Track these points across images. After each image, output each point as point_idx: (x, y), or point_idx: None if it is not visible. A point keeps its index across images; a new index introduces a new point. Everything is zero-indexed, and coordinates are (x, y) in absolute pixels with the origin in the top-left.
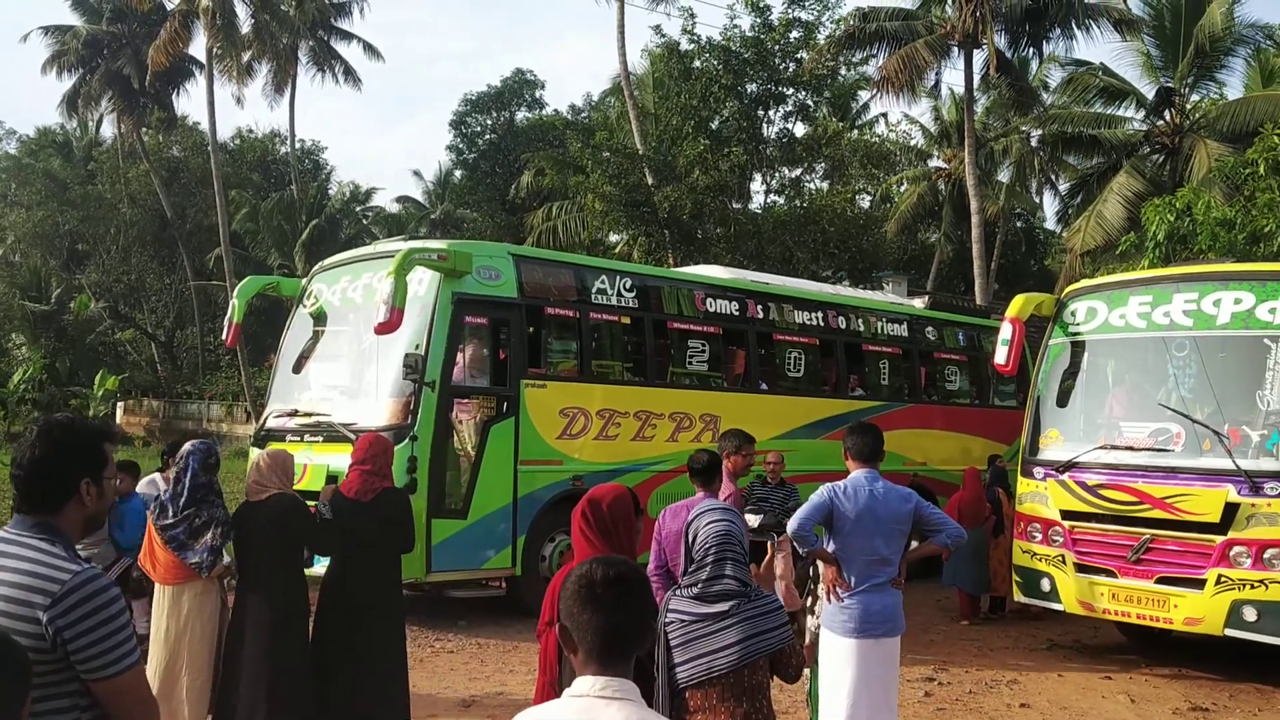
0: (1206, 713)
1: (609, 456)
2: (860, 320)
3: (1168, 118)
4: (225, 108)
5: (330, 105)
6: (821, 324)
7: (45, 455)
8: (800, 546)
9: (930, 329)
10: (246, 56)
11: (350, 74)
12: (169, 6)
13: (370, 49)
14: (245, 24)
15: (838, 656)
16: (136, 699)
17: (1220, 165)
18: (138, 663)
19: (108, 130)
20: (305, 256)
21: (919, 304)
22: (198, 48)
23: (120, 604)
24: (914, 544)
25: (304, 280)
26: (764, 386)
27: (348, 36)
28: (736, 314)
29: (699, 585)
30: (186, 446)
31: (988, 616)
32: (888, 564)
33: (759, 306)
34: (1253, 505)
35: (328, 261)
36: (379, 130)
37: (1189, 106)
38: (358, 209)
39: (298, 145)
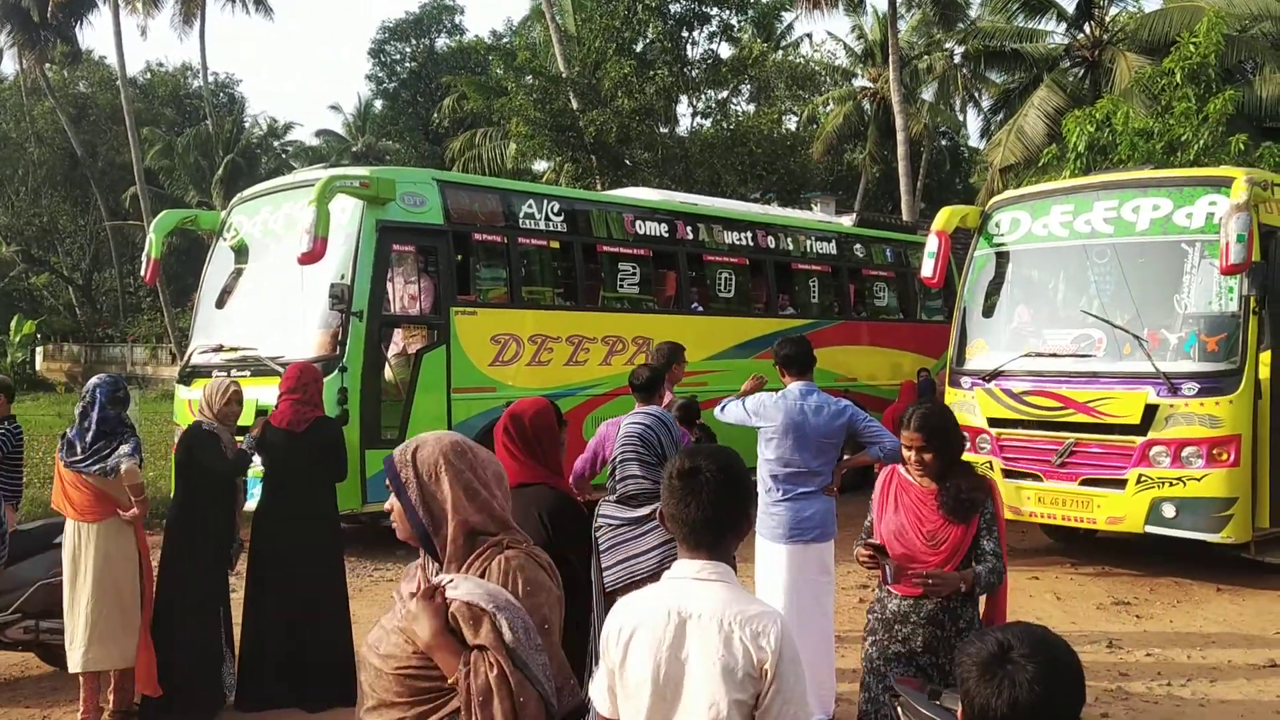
0: (1129, 606)
1: (542, 382)
2: (789, 239)
3: (1088, 31)
4: (134, 41)
5: (244, 37)
6: (751, 244)
7: None
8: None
9: (858, 246)
10: None
11: (261, 3)
12: None
13: None
14: None
15: (770, 561)
16: None
17: (1139, 76)
18: None
19: (9, 67)
20: (224, 193)
21: (847, 222)
22: None
23: None
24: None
25: (223, 213)
26: (696, 307)
27: None
28: (666, 236)
29: (616, 489)
30: (92, 381)
31: None
32: (817, 475)
33: (688, 227)
34: (1171, 406)
35: (247, 193)
36: (296, 62)
37: (1108, 19)
38: (276, 144)
39: (211, 79)
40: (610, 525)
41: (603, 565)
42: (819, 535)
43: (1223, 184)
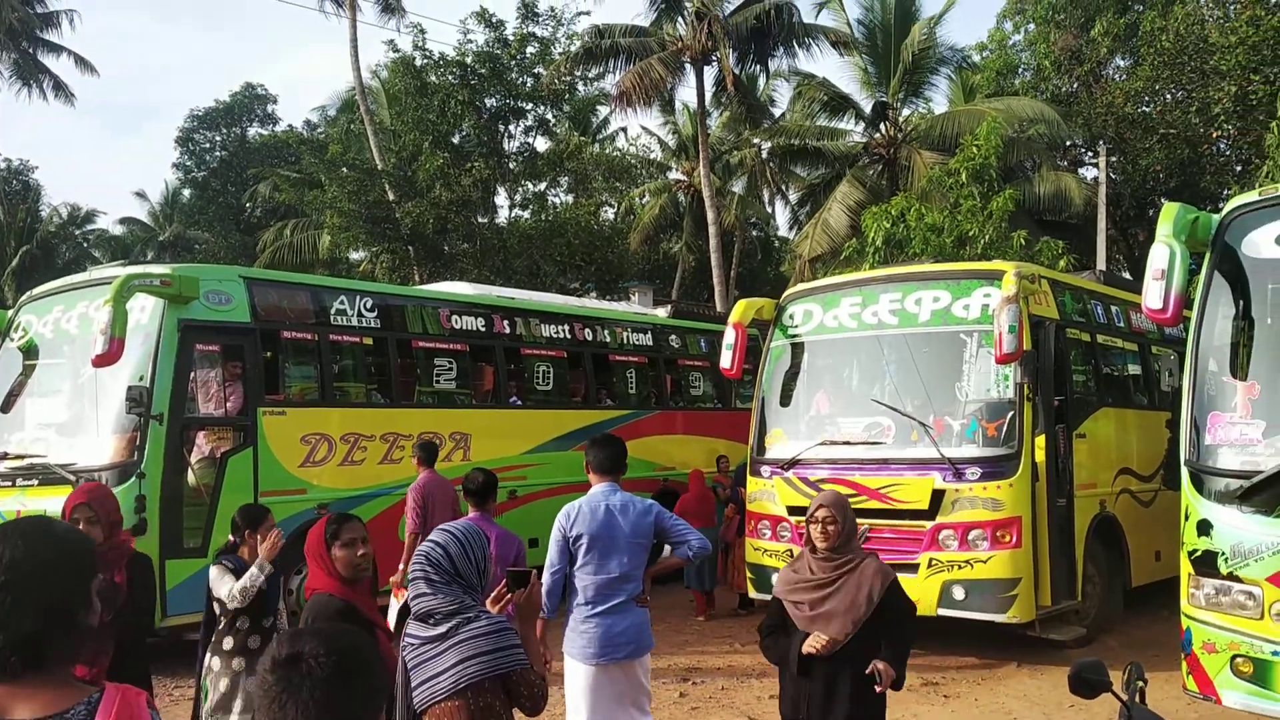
0: (937, 686)
1: (355, 482)
2: (606, 331)
3: (884, 130)
4: None
5: (41, 122)
6: (568, 336)
7: None
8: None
9: (674, 337)
10: None
11: (61, 89)
12: None
13: (82, 62)
14: None
15: (578, 683)
16: None
17: (931, 174)
18: None
19: None
20: (16, 286)
21: (662, 313)
22: None
23: None
24: (665, 553)
25: (10, 312)
26: (514, 401)
27: (56, 49)
28: (483, 330)
29: (414, 605)
30: None
31: (737, 612)
32: (628, 580)
33: (505, 321)
34: (956, 490)
35: (37, 291)
36: (99, 149)
37: (902, 120)
38: (77, 233)
39: (3, 164)
40: (412, 644)
41: (411, 683)
42: (634, 650)
43: (995, 277)
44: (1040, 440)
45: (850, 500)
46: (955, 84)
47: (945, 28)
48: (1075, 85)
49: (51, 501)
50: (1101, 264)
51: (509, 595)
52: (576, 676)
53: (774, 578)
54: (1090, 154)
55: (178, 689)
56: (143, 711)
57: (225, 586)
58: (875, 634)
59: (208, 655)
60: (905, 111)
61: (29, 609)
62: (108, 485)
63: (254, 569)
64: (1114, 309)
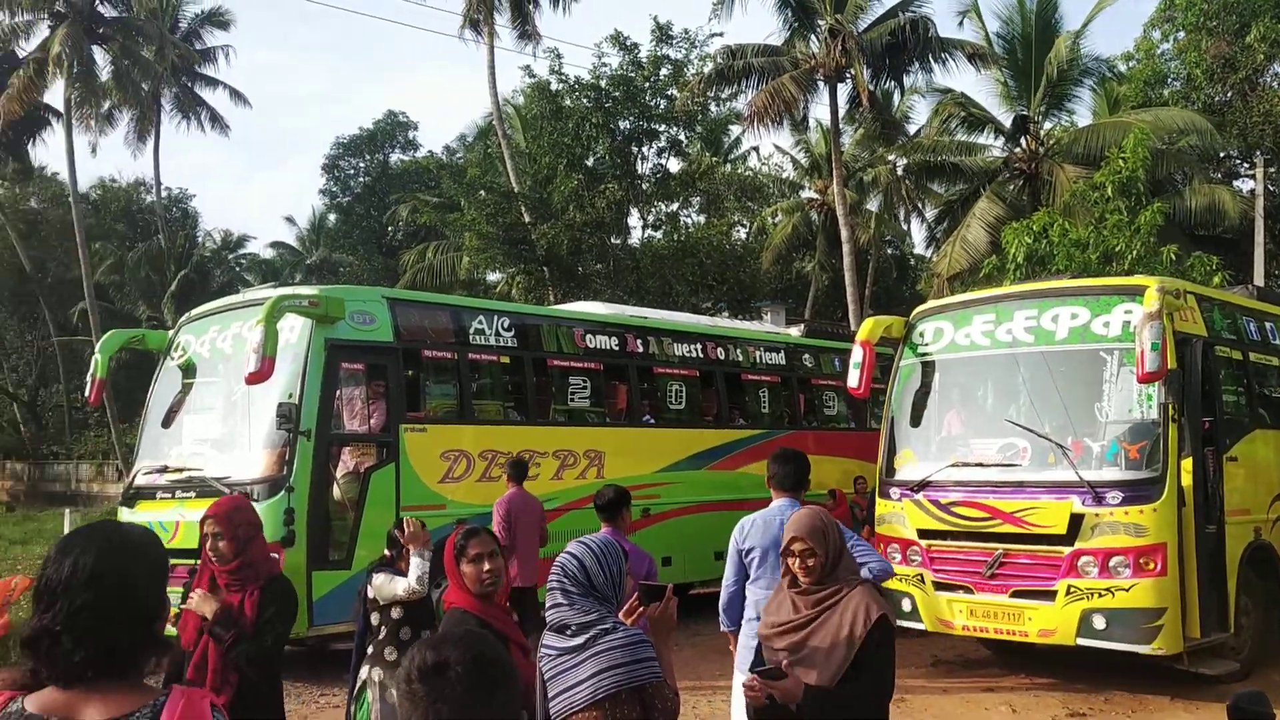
0: (1084, 717)
1: (492, 498)
2: (738, 350)
3: (1024, 144)
4: (87, 157)
5: (198, 152)
6: (701, 356)
7: None
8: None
9: (807, 356)
10: (107, 105)
11: (217, 120)
12: (20, 55)
13: (237, 95)
14: (105, 71)
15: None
16: None
17: (1073, 189)
18: None
19: None
20: (175, 307)
21: (795, 332)
22: (54, 96)
23: None
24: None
25: (170, 332)
26: (647, 419)
27: (213, 83)
28: (616, 349)
29: (549, 616)
30: None
31: None
32: None
33: (639, 341)
34: (1096, 515)
35: (195, 312)
36: (250, 176)
37: (1043, 133)
38: (230, 257)
39: (164, 193)
40: (549, 655)
41: (548, 694)
42: None
43: (1137, 292)
44: (1187, 463)
45: (984, 524)
46: (1099, 96)
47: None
48: (1229, 94)
49: None
50: (1259, 279)
51: (641, 609)
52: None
53: (904, 602)
54: (1246, 165)
55: (323, 696)
56: (205, 714)
57: (401, 584)
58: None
59: (366, 667)
60: (1047, 125)
61: (108, 621)
62: (249, 499)
63: (415, 557)
64: (1269, 326)
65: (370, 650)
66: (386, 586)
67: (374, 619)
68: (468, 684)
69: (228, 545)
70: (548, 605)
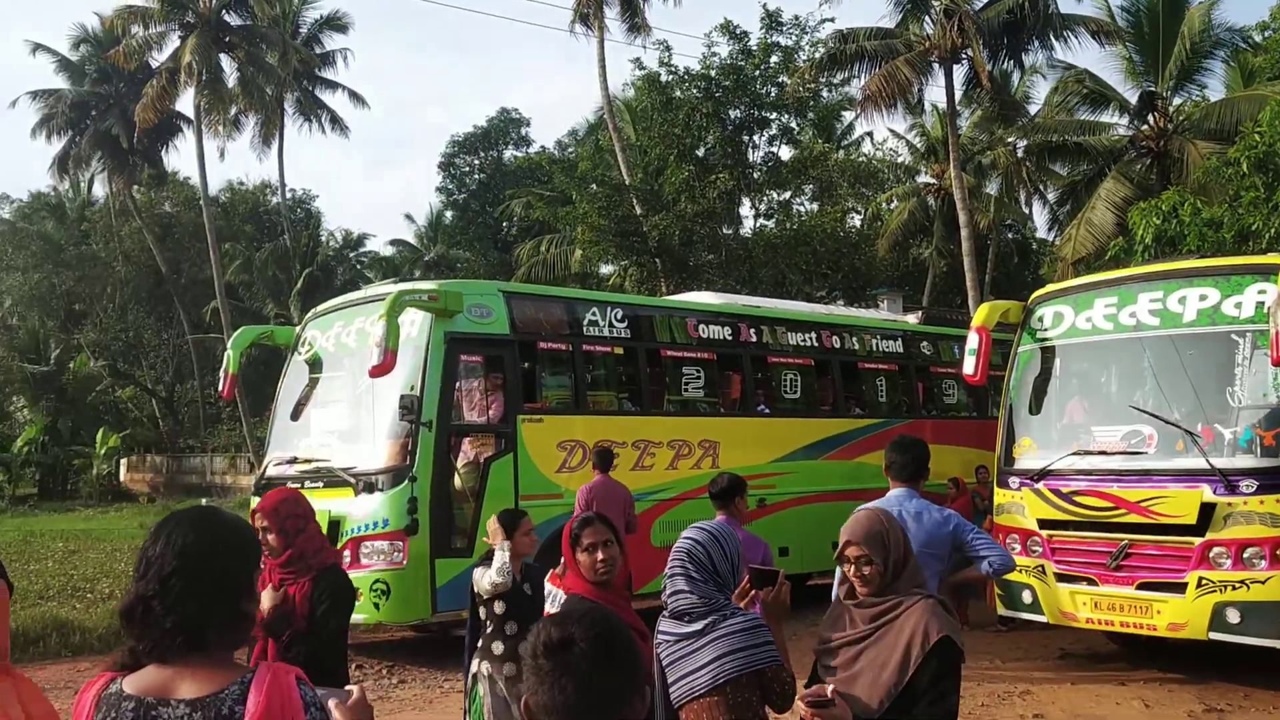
0: (1222, 714)
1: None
2: (854, 338)
3: (1152, 122)
4: (215, 161)
5: (319, 154)
6: (815, 344)
7: None
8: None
9: (925, 343)
10: (233, 110)
11: (337, 122)
12: (154, 65)
13: (355, 96)
14: (231, 78)
15: None
16: None
17: (1205, 166)
18: None
19: (99, 190)
20: (301, 305)
21: (912, 319)
22: (185, 104)
23: None
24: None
25: (297, 328)
26: (762, 409)
27: (333, 86)
28: (730, 339)
29: (668, 603)
30: None
31: (997, 629)
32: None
33: (751, 330)
34: (1229, 504)
35: (320, 308)
36: (369, 176)
37: (1172, 110)
38: (351, 255)
39: (289, 195)
40: (667, 641)
41: (667, 680)
42: None
43: (1271, 271)
44: None
45: (1108, 514)
46: (1233, 68)
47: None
48: None
49: (334, 503)
50: None
51: (753, 592)
52: None
53: (1024, 594)
54: None
55: (447, 681)
56: (292, 690)
57: (486, 578)
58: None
59: (475, 660)
60: (1176, 101)
61: (196, 593)
62: (299, 493)
63: (499, 553)
64: None
65: (480, 644)
66: (481, 580)
67: (481, 613)
68: (593, 659)
69: (276, 539)
70: (668, 591)
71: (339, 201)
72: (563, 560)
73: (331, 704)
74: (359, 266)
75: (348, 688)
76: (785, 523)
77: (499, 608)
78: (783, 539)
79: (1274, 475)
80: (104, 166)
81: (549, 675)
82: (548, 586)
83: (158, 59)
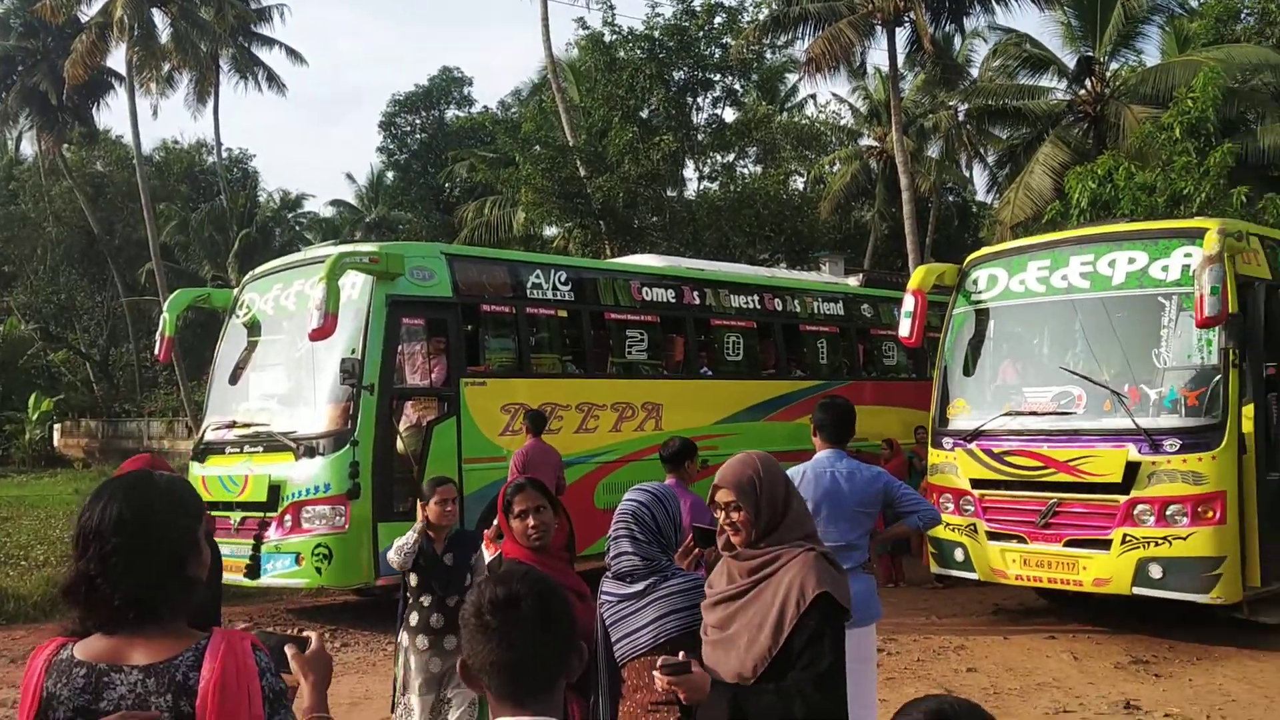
0: (1147, 665)
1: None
2: (796, 301)
3: (1089, 86)
4: (149, 119)
5: (257, 112)
6: (758, 307)
7: None
8: None
9: (866, 306)
10: (167, 67)
11: (274, 80)
12: (84, 19)
13: (293, 54)
14: (164, 33)
15: None
16: None
17: (1140, 131)
18: None
19: (27, 149)
20: (238, 267)
21: (854, 282)
22: (116, 60)
23: None
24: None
25: (235, 291)
26: (705, 371)
27: (269, 42)
28: (673, 301)
29: (611, 565)
30: None
31: (934, 585)
32: (854, 549)
33: (695, 292)
34: (1153, 463)
35: (258, 270)
36: (308, 135)
37: (1109, 74)
38: (290, 216)
39: (225, 154)
40: (610, 601)
41: (611, 639)
42: (859, 619)
43: (1196, 235)
44: (1248, 410)
45: (1038, 473)
46: (1169, 34)
47: None
48: None
49: (275, 467)
50: None
51: (696, 550)
52: None
53: (956, 552)
54: None
55: (390, 644)
56: (248, 656)
57: (392, 551)
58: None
59: (400, 631)
60: (1113, 66)
61: (141, 567)
62: (164, 460)
63: (411, 532)
64: None
65: (401, 613)
66: (391, 553)
67: (406, 582)
68: (537, 616)
69: None
70: (612, 553)
71: (277, 161)
72: (496, 523)
73: (289, 653)
74: (298, 228)
75: (306, 633)
76: None
77: (413, 580)
78: None
79: (1196, 434)
80: (32, 124)
81: (496, 632)
82: (484, 552)
83: (87, 13)
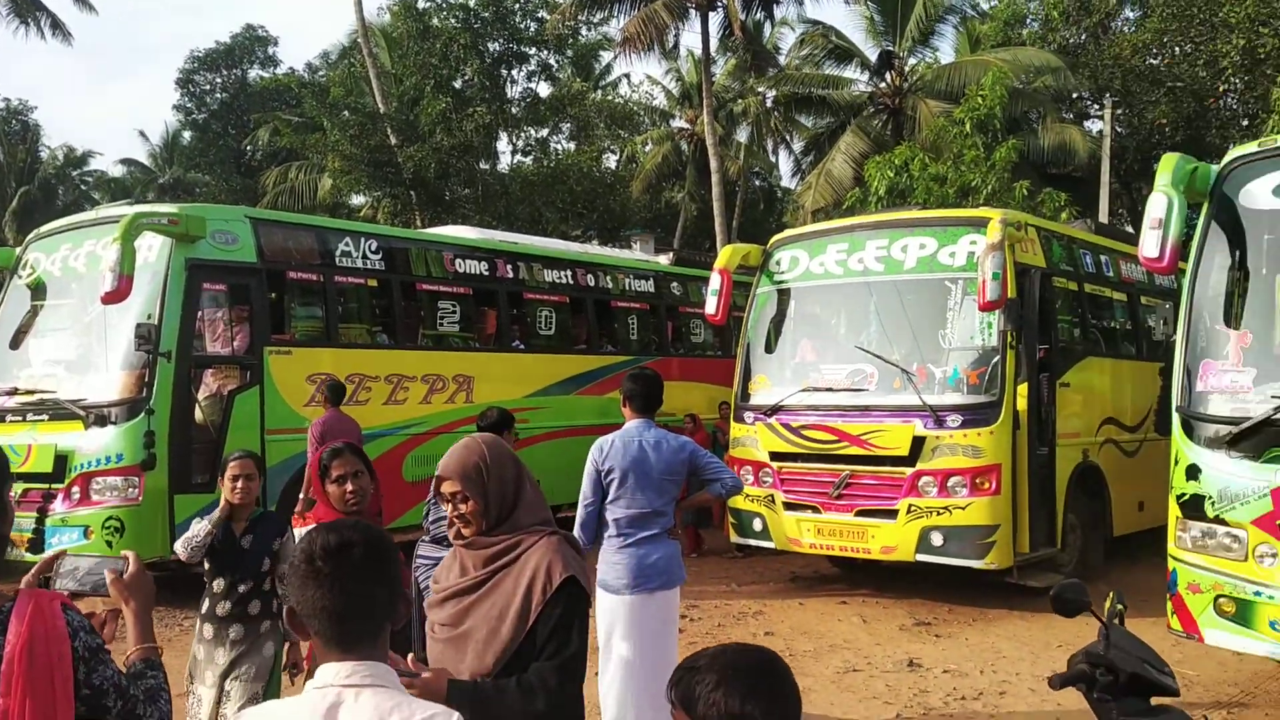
0: (929, 625)
1: (365, 420)
2: (608, 277)
3: (889, 80)
4: None
5: (39, 61)
6: (571, 282)
7: None
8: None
9: (675, 284)
10: None
11: (59, 27)
12: None
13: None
14: None
15: (611, 614)
16: None
17: (934, 124)
18: None
19: None
20: (17, 226)
21: (664, 260)
22: None
23: None
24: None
25: (18, 250)
26: (517, 345)
27: None
28: (486, 274)
29: (430, 530)
30: None
31: (734, 555)
32: (661, 515)
33: (508, 266)
34: (937, 437)
35: (44, 229)
36: (97, 89)
37: (908, 69)
38: (75, 174)
39: (2, 104)
40: (426, 565)
41: (424, 602)
42: (664, 582)
43: (981, 224)
44: (1022, 389)
45: (832, 446)
46: (962, 34)
47: None
48: (1083, 36)
49: (61, 436)
50: (1104, 216)
51: None
52: (608, 607)
53: (755, 522)
54: (1096, 106)
55: (187, 619)
56: (57, 617)
57: (179, 543)
58: None
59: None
60: (911, 61)
61: None
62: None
63: (205, 521)
64: (1104, 259)
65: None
66: (178, 545)
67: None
68: (369, 561)
69: None
70: (431, 517)
71: (62, 115)
72: (302, 498)
73: (108, 578)
74: (84, 187)
75: (125, 553)
76: (538, 456)
77: (206, 564)
78: (537, 472)
79: (976, 411)
80: None
81: (328, 578)
82: (294, 531)
83: None
